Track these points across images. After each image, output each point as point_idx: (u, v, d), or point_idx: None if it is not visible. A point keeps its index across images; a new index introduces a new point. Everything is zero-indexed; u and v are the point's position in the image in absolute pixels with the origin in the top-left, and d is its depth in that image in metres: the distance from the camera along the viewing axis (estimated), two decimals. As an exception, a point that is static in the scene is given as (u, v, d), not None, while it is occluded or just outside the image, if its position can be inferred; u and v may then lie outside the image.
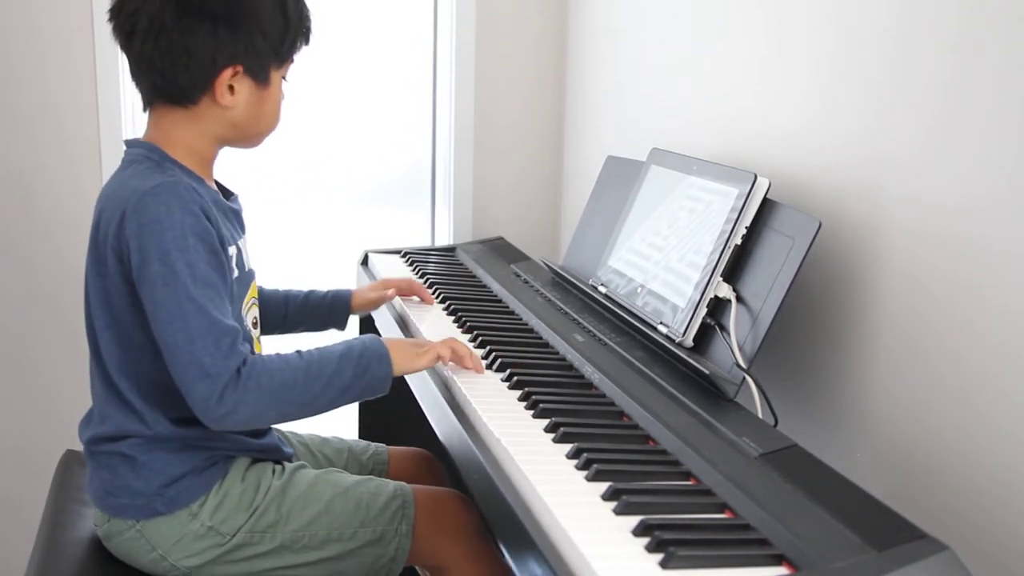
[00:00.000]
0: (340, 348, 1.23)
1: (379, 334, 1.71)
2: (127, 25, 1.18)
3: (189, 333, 1.12)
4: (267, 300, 1.53)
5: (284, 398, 1.17)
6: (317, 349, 1.23)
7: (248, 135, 1.27)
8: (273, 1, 1.21)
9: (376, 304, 1.64)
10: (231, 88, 1.21)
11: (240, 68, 1.20)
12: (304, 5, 1.27)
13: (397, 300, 1.67)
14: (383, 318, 1.68)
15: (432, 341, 1.32)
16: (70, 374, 2.12)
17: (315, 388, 1.18)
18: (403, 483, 1.34)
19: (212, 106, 1.21)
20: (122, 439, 1.21)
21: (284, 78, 1.29)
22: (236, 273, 1.25)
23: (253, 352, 1.19)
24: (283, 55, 1.25)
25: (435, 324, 1.56)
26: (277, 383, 1.16)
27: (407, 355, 1.27)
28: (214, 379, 1.12)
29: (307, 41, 1.29)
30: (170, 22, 1.16)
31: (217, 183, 1.33)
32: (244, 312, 1.29)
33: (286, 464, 1.34)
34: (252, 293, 1.33)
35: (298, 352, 1.21)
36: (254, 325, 1.34)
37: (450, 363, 1.32)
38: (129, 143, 1.25)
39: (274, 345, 1.54)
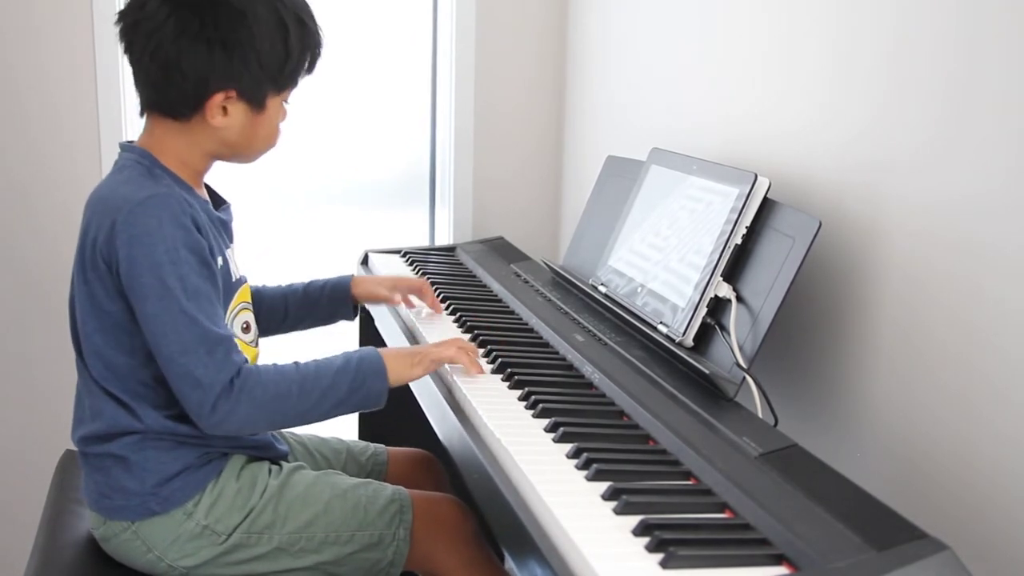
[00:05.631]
0: (338, 361, 1.23)
1: (379, 334, 1.71)
2: (129, 34, 1.19)
3: (182, 345, 1.13)
4: (268, 299, 1.53)
5: (277, 409, 1.19)
6: (315, 361, 1.23)
7: (241, 154, 1.28)
8: (274, 30, 1.20)
9: (381, 300, 1.62)
10: (224, 110, 1.21)
11: (234, 93, 1.20)
12: (311, 36, 1.26)
13: (403, 308, 1.63)
14: (385, 323, 1.67)
15: (429, 346, 1.32)
16: (69, 375, 2.09)
17: (309, 401, 1.20)
18: (401, 487, 1.34)
19: (204, 124, 1.21)
20: (114, 438, 1.21)
21: (285, 101, 1.29)
22: (222, 283, 1.24)
23: (246, 360, 1.20)
24: (281, 84, 1.24)
25: (437, 325, 1.56)
26: (271, 395, 1.18)
27: (403, 366, 1.27)
28: (207, 389, 1.14)
29: (311, 71, 1.28)
30: (168, 41, 1.16)
31: (209, 190, 1.33)
32: (231, 319, 1.29)
33: (283, 464, 1.34)
34: (241, 298, 1.33)
35: (295, 363, 1.22)
36: (245, 330, 1.33)
37: (454, 365, 1.31)
38: (123, 146, 1.25)
39: (282, 346, 1.54)
